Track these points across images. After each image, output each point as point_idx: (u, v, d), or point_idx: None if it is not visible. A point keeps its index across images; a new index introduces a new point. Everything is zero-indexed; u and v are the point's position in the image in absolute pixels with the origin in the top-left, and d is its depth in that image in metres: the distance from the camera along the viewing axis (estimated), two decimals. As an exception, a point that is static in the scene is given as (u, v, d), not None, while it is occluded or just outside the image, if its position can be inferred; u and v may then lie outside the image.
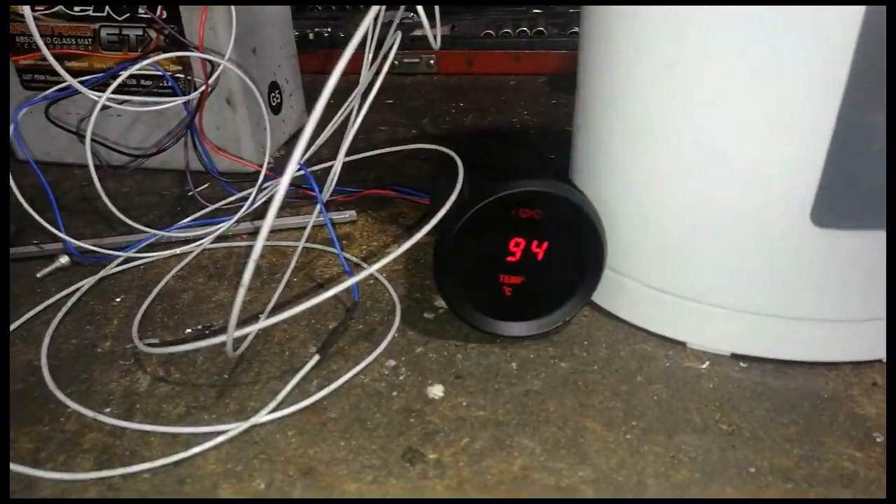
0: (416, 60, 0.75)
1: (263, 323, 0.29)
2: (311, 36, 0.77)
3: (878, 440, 0.28)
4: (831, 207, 0.28)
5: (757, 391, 0.31)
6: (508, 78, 0.74)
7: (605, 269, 0.35)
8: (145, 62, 0.41)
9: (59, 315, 0.37)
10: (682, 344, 0.34)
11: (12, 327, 0.36)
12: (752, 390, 0.31)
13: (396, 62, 0.74)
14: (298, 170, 0.41)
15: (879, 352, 0.32)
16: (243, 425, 0.29)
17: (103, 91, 0.40)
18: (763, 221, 0.30)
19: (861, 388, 0.31)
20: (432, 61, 0.75)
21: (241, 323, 0.35)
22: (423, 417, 0.30)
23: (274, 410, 0.30)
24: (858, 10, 0.25)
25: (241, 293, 0.26)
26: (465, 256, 0.33)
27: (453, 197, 0.34)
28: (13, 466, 0.27)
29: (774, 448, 0.28)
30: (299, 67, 0.61)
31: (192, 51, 0.44)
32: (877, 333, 0.31)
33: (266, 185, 0.45)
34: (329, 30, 0.78)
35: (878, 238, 0.29)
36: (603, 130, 0.33)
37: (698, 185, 0.30)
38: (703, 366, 0.33)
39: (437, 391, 0.31)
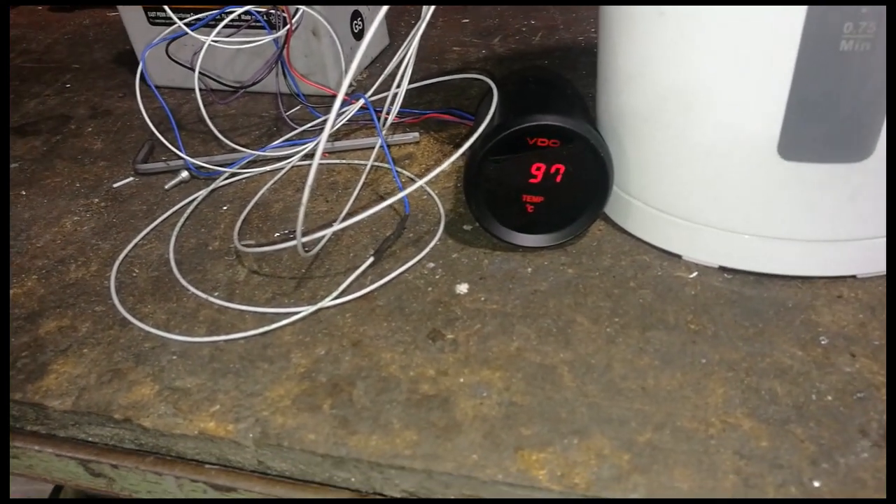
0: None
1: (328, 231, 0.38)
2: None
3: (823, 342, 0.34)
4: (794, 143, 0.32)
5: (732, 299, 0.37)
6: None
7: (616, 189, 0.41)
8: (240, 10, 0.48)
9: (182, 220, 0.47)
10: (678, 256, 0.39)
11: (149, 228, 0.46)
12: (728, 298, 0.37)
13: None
14: (362, 102, 0.48)
15: (852, 268, 0.36)
16: (312, 308, 0.38)
17: (212, 27, 0.49)
18: (739, 154, 0.34)
19: (826, 299, 0.36)
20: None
21: (316, 230, 0.44)
22: (449, 308, 0.38)
23: (336, 298, 0.39)
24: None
25: (302, 212, 0.34)
26: (493, 178, 0.40)
27: (485, 123, 0.40)
28: (152, 329, 0.38)
29: (728, 345, 0.34)
30: (381, -7, 0.67)
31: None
32: (848, 252, 0.36)
33: (343, 109, 0.53)
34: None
35: (837, 169, 0.33)
36: (610, 70, 0.38)
37: (684, 123, 0.35)
38: (692, 276, 0.38)
39: (463, 288, 0.39)
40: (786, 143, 0.32)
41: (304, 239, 0.37)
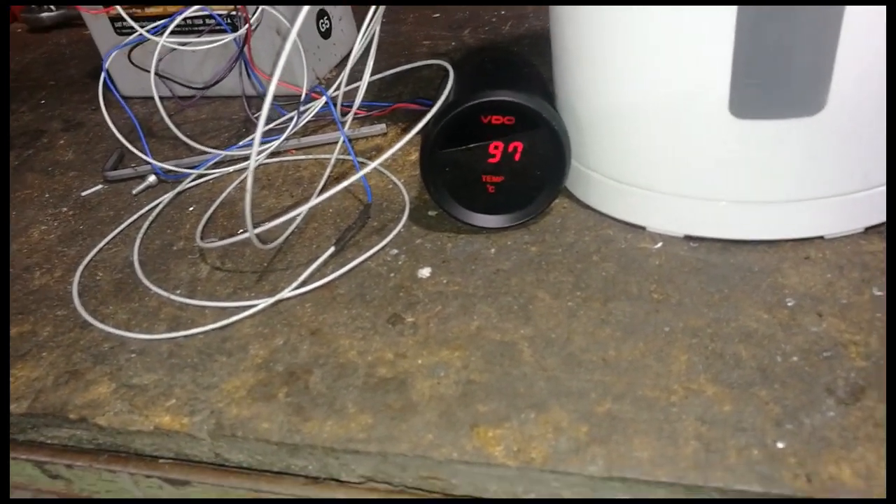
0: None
1: (281, 219, 0.37)
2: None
3: (789, 304, 0.33)
4: (744, 100, 0.32)
5: (697, 267, 0.36)
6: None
7: (576, 164, 0.40)
8: (192, 9, 0.48)
9: (147, 223, 0.46)
10: (643, 228, 0.39)
11: (114, 234, 0.46)
12: (693, 266, 0.36)
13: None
14: (324, 97, 0.48)
15: (819, 229, 0.36)
16: (271, 300, 0.37)
17: (178, 34, 0.49)
18: (692, 116, 0.33)
19: (793, 261, 0.35)
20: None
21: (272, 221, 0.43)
22: (410, 292, 0.37)
23: (296, 288, 0.38)
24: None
25: (248, 201, 0.33)
26: (452, 160, 0.39)
27: (438, 104, 0.40)
28: (112, 329, 0.37)
29: (693, 312, 0.33)
30: (348, -9, 0.67)
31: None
32: (812, 212, 0.35)
33: (307, 106, 0.53)
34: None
35: (794, 125, 0.32)
36: (560, 44, 0.38)
37: (632, 88, 0.34)
38: (656, 246, 0.37)
39: (425, 272, 0.38)
40: (736, 101, 0.32)
41: (257, 230, 0.37)
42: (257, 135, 0.32)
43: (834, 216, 0.35)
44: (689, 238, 0.37)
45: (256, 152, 0.33)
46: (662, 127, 0.34)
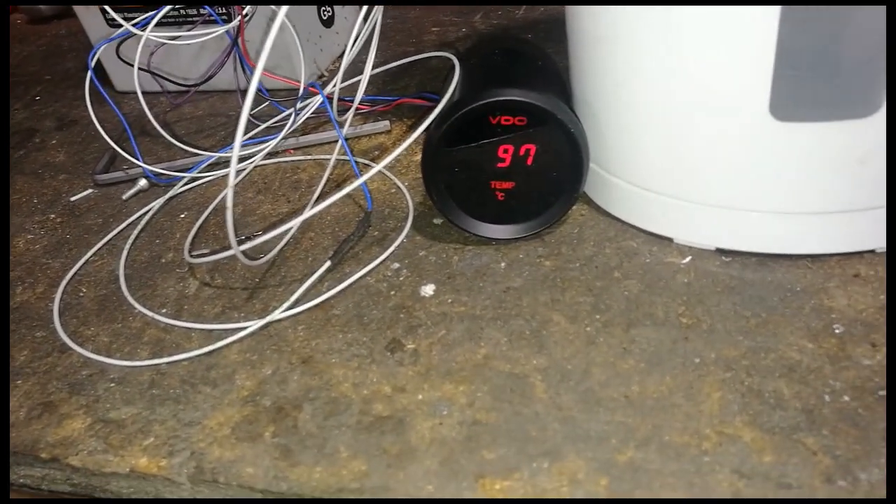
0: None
1: (267, 236, 0.34)
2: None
3: (837, 331, 0.29)
4: (787, 100, 0.28)
5: (730, 285, 0.32)
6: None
7: (596, 168, 0.36)
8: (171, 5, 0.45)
9: (136, 231, 0.44)
10: (670, 240, 0.35)
11: (100, 244, 0.43)
12: (726, 284, 0.32)
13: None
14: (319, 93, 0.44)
15: (870, 243, 0.32)
16: (260, 322, 0.34)
17: (170, 27, 0.46)
18: (728, 117, 0.29)
19: (840, 280, 0.31)
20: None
21: (265, 233, 0.40)
22: (412, 313, 0.34)
23: (288, 309, 0.35)
24: None
25: (229, 216, 0.30)
26: (456, 164, 0.35)
27: (443, 103, 0.36)
28: (92, 355, 0.35)
29: (726, 340, 0.29)
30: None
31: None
32: (863, 224, 0.31)
33: (306, 102, 0.49)
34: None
35: (841, 128, 0.28)
36: (577, 35, 0.34)
37: (660, 86, 0.30)
38: (684, 261, 0.34)
39: (428, 290, 0.35)
40: (778, 101, 0.28)
41: (246, 246, 0.33)
42: (234, 154, 0.29)
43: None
44: (721, 252, 0.34)
45: (235, 170, 0.29)
46: (694, 129, 0.31)
